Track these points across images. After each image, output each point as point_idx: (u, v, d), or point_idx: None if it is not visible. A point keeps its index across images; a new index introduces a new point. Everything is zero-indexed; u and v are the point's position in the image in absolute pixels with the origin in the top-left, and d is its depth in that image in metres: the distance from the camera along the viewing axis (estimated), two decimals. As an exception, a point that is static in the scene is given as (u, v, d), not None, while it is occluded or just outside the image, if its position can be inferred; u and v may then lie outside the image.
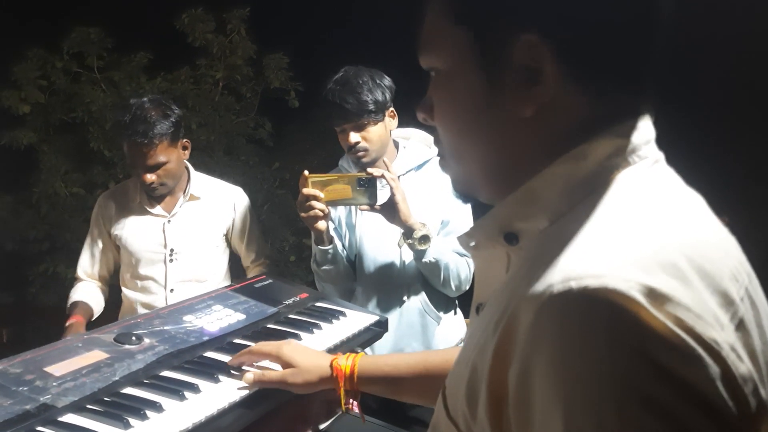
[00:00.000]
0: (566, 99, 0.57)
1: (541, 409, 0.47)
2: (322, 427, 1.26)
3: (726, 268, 0.53)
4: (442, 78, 0.63)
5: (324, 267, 1.89)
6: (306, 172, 1.75)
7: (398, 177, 1.88)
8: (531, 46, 0.55)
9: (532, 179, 0.58)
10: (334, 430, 1.26)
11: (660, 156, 0.60)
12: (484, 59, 0.58)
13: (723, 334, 0.47)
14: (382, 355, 1.18)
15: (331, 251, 1.86)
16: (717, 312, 0.48)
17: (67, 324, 2.04)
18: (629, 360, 0.44)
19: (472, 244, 0.66)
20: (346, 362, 1.07)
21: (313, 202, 1.74)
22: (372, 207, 1.76)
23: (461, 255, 1.85)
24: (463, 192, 0.69)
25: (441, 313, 1.96)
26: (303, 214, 1.77)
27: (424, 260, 1.80)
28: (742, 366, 0.47)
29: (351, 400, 1.32)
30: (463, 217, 1.92)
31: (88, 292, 2.20)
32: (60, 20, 4.31)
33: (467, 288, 1.89)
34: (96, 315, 2.19)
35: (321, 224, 1.78)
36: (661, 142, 0.61)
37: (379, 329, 1.44)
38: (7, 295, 4.44)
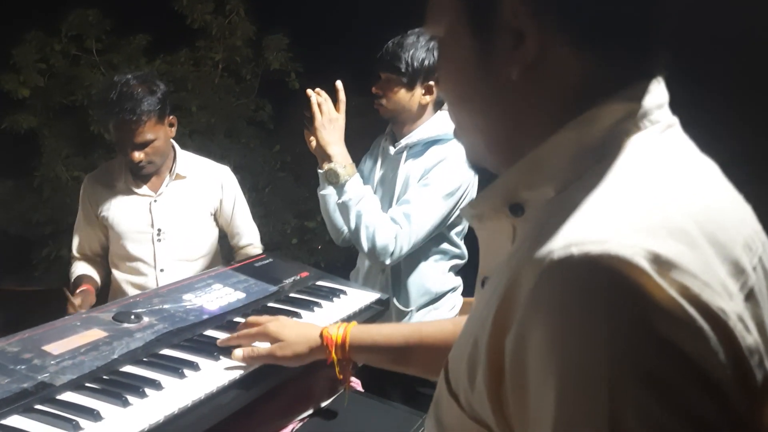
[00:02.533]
0: (557, 62, 0.55)
1: (535, 376, 0.46)
2: (324, 404, 1.26)
3: (739, 236, 0.51)
4: (442, 46, 0.63)
5: (321, 192, 1.85)
6: (308, 91, 1.73)
7: (408, 147, 1.86)
8: (512, 7, 0.55)
9: (537, 147, 0.57)
10: (336, 407, 1.26)
11: (674, 121, 0.58)
12: (474, 23, 0.58)
13: (731, 304, 0.45)
14: (375, 325, 1.18)
15: (322, 176, 1.81)
16: (726, 280, 0.47)
17: (78, 290, 2.03)
18: (628, 331, 0.42)
19: (476, 214, 0.64)
20: (337, 331, 1.06)
21: (306, 120, 1.74)
22: (309, 128, 1.74)
23: (396, 223, 1.74)
24: (474, 162, 0.68)
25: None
26: None
27: (337, 201, 1.76)
28: (749, 337, 0.45)
29: (352, 378, 1.33)
30: (418, 193, 1.80)
31: (88, 268, 2.21)
32: (58, 2, 4.28)
33: (386, 260, 1.76)
34: (98, 289, 2.19)
35: (313, 143, 1.76)
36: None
37: (380, 307, 1.44)
38: (11, 279, 4.45)
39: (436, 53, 1.78)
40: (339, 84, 1.76)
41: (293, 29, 4.70)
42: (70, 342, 1.08)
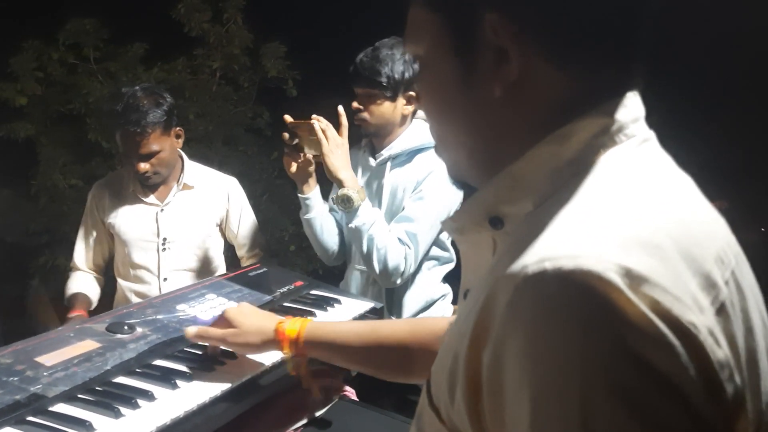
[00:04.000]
0: (539, 78, 0.56)
1: (511, 390, 0.46)
2: (318, 414, 1.26)
3: (712, 250, 0.51)
4: (423, 64, 0.64)
5: (305, 216, 1.87)
6: (286, 117, 1.74)
7: (391, 158, 1.87)
8: (494, 26, 0.55)
9: (515, 162, 0.58)
10: (330, 417, 1.26)
11: (650, 135, 0.59)
12: (456, 43, 0.59)
13: (702, 318, 0.46)
14: (332, 322, 1.19)
15: (309, 201, 1.84)
16: (697, 294, 0.47)
17: (69, 316, 2.03)
18: (599, 345, 0.43)
19: (457, 228, 0.65)
20: (292, 326, 1.06)
21: (286, 147, 1.74)
22: (316, 158, 1.74)
23: (403, 244, 1.77)
24: (456, 178, 0.70)
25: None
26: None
27: (349, 224, 1.76)
28: (720, 351, 0.46)
29: (346, 387, 1.32)
30: (417, 210, 1.81)
31: (85, 283, 2.20)
32: (55, 11, 4.29)
33: (397, 280, 1.79)
34: (93, 306, 2.18)
35: (291, 169, 1.77)
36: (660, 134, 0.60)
37: (374, 316, 1.44)
38: (8, 288, 4.44)
39: (413, 64, 1.81)
40: (341, 109, 1.76)
41: (290, 37, 4.71)
42: (63, 353, 1.08)
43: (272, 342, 1.06)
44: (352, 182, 1.73)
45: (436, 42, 0.61)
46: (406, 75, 1.82)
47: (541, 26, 0.55)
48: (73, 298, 2.13)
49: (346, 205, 1.72)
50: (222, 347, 1.11)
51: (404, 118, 1.89)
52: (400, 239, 1.76)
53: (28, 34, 4.24)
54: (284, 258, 4.51)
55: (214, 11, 4.56)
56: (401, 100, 1.86)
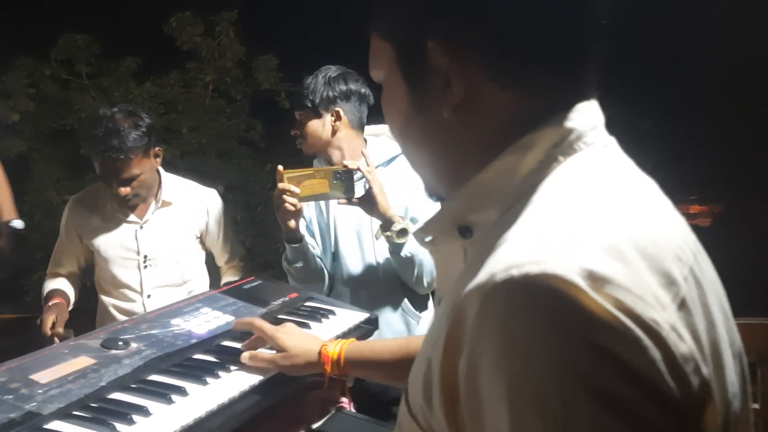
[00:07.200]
0: (487, 98, 0.58)
1: (488, 398, 0.47)
2: (315, 426, 1.25)
3: (670, 249, 0.53)
4: (383, 89, 0.68)
5: (295, 265, 1.89)
6: (280, 168, 1.75)
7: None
8: (437, 53, 0.58)
9: (480, 173, 0.60)
10: (328, 429, 1.25)
11: (610, 141, 0.61)
12: (406, 69, 0.63)
13: (663, 314, 0.47)
14: (367, 341, 1.23)
15: (302, 248, 1.86)
16: (658, 292, 0.48)
17: (50, 303, 2.03)
18: (570, 345, 0.44)
19: (428, 239, 0.67)
20: (334, 348, 1.13)
21: (287, 197, 1.73)
22: (350, 200, 1.75)
23: None
24: (430, 193, 0.72)
25: (419, 312, 1.94)
26: (277, 211, 1.78)
27: (401, 254, 1.77)
28: (683, 345, 0.47)
29: (342, 399, 1.32)
30: (430, 213, 1.82)
31: (61, 283, 2.20)
32: (47, 27, 4.30)
33: (434, 285, 1.86)
34: (71, 303, 2.18)
35: (293, 222, 1.79)
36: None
37: (369, 327, 1.44)
38: (3, 305, 4.42)
39: (339, 86, 1.91)
40: (350, 164, 1.75)
41: (282, 49, 4.74)
42: (57, 370, 1.08)
43: (316, 364, 1.13)
44: (398, 216, 1.75)
45: (390, 68, 0.64)
46: (325, 93, 1.89)
47: (482, 51, 0.57)
48: (50, 293, 2.13)
49: (402, 236, 1.75)
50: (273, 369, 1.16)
51: (335, 132, 1.93)
52: None
53: (20, 50, 4.25)
54: (279, 269, 4.50)
55: (206, 25, 4.58)
56: (328, 117, 1.90)
